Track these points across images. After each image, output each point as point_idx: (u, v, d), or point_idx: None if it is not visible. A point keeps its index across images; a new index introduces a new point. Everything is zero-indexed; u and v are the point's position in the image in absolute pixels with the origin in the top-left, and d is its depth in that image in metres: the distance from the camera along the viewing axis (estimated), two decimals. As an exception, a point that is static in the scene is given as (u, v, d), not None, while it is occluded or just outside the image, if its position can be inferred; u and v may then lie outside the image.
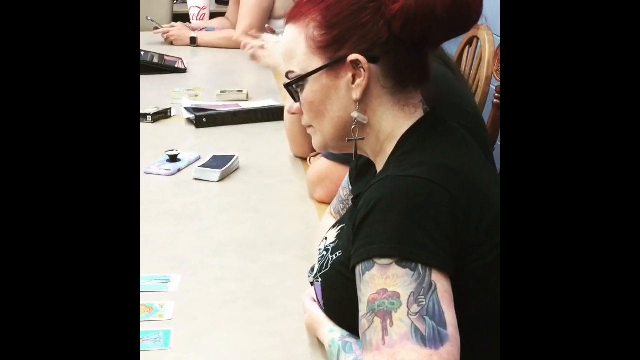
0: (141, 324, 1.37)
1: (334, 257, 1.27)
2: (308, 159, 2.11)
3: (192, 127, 2.56)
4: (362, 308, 1.08)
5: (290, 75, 1.23)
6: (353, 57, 1.17)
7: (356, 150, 1.24)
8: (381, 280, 1.06)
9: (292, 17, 1.23)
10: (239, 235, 1.74)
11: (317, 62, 1.19)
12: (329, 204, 1.87)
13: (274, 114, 2.64)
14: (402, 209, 1.08)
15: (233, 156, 2.14)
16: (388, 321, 1.04)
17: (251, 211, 1.88)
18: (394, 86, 1.20)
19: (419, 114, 1.22)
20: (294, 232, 1.77)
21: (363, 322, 1.07)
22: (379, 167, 1.25)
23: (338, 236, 1.33)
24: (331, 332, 1.24)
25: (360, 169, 1.43)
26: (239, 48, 3.71)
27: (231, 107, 2.73)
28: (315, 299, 1.34)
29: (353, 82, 1.18)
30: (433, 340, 1.02)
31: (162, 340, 1.33)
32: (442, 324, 1.03)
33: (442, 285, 1.05)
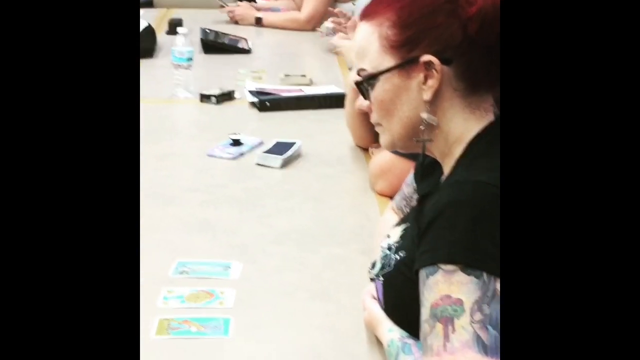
0: (202, 310, 1.40)
1: (398, 257, 1.27)
2: (370, 149, 2.11)
3: (255, 111, 2.58)
4: (424, 312, 1.08)
5: (362, 73, 1.23)
6: (426, 58, 1.16)
7: (424, 151, 1.24)
8: (445, 286, 1.06)
9: (365, 14, 1.22)
10: (299, 224, 1.75)
11: (389, 61, 1.19)
12: (390, 197, 1.87)
13: (336, 101, 2.63)
14: (469, 215, 1.08)
15: (294, 143, 2.14)
16: (450, 327, 1.04)
17: (312, 200, 1.88)
18: (466, 89, 1.19)
19: (489, 118, 1.20)
20: (354, 224, 1.77)
21: (425, 327, 1.07)
22: (446, 169, 1.25)
23: (402, 236, 1.32)
24: (390, 332, 1.24)
25: (426, 168, 1.42)
26: (304, 30, 3.77)
27: (294, 92, 2.74)
28: (376, 296, 1.35)
29: (424, 82, 1.18)
30: (495, 349, 1.02)
31: (222, 328, 1.34)
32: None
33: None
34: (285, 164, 2.08)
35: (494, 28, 1.13)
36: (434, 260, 1.08)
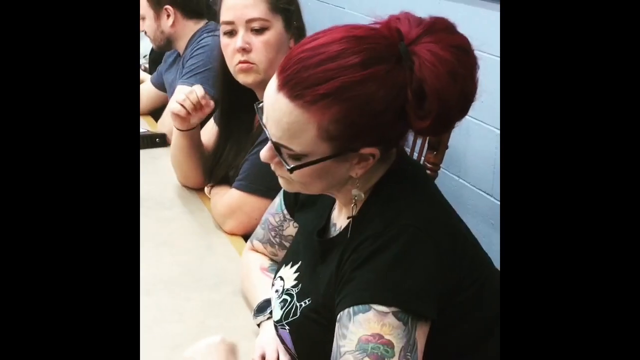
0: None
1: (303, 304, 1.27)
2: (206, 190, 2.08)
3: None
4: (348, 345, 1.09)
5: (286, 151, 1.14)
6: (368, 151, 1.14)
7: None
8: (377, 325, 1.08)
9: (296, 95, 1.09)
10: (161, 272, 1.68)
11: (324, 149, 1.12)
12: (241, 235, 1.87)
13: (144, 142, 2.55)
14: (397, 259, 1.11)
15: (126, 187, 2.05)
16: None
17: (164, 246, 1.82)
18: (385, 153, 1.20)
19: (392, 159, 1.23)
20: (216, 266, 1.73)
21: (347, 357, 1.08)
22: (342, 200, 1.26)
23: (299, 278, 1.32)
24: None
25: (306, 197, 1.42)
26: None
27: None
28: (272, 346, 1.35)
29: (357, 163, 1.16)
30: None
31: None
32: None
33: (420, 343, 1.10)
34: (121, 209, 1.98)
35: (442, 122, 1.13)
36: (367, 300, 1.09)
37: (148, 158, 2.43)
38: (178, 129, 2.01)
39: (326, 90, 1.07)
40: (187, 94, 1.93)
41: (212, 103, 1.94)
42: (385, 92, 1.08)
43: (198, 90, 1.93)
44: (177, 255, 1.77)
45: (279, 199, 1.52)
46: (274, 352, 1.34)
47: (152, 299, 1.56)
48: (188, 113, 1.94)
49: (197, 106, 1.94)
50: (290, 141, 1.12)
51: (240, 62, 1.85)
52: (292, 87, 1.09)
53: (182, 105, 1.93)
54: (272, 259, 1.57)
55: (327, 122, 1.09)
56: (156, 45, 2.71)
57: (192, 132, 2.02)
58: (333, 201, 1.31)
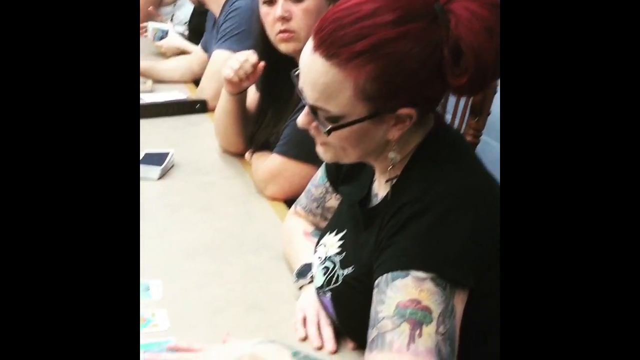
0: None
1: (345, 272, 1.27)
2: (247, 155, 2.08)
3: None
4: (386, 310, 1.08)
5: (323, 113, 1.13)
6: (405, 111, 1.13)
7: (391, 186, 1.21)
8: (415, 291, 1.07)
9: (332, 54, 1.09)
10: (202, 237, 1.69)
11: (361, 110, 1.11)
12: (282, 201, 1.87)
13: (183, 108, 2.57)
14: (435, 225, 1.10)
15: (168, 153, 2.06)
16: (417, 331, 1.05)
17: (204, 211, 1.82)
18: (422, 116, 1.18)
19: (430, 125, 1.22)
20: (256, 232, 1.73)
21: (385, 323, 1.07)
22: (383, 171, 1.25)
23: (342, 246, 1.32)
24: None
25: (349, 169, 1.42)
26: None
27: (135, 99, 2.63)
28: (314, 311, 1.35)
29: (394, 125, 1.15)
30: None
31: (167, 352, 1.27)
32: (454, 353, 1.07)
33: (459, 310, 1.09)
34: (162, 174, 1.99)
35: (479, 79, 1.11)
36: (405, 266, 1.09)
37: (188, 124, 2.45)
38: (229, 93, 2.02)
39: (361, 48, 1.07)
40: (241, 61, 1.93)
41: (263, 65, 1.93)
42: (420, 50, 1.08)
43: (250, 58, 1.93)
44: (218, 221, 1.77)
45: (321, 171, 1.52)
46: (315, 316, 1.34)
47: (194, 264, 1.57)
48: (241, 79, 1.95)
49: (250, 73, 1.93)
50: (327, 102, 1.12)
51: (280, 32, 1.85)
52: (328, 46, 1.09)
53: (235, 72, 1.93)
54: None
55: (363, 80, 1.09)
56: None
57: (240, 96, 2.03)
58: (374, 172, 1.30)
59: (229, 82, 1.98)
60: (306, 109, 1.17)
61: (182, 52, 3.18)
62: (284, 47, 1.87)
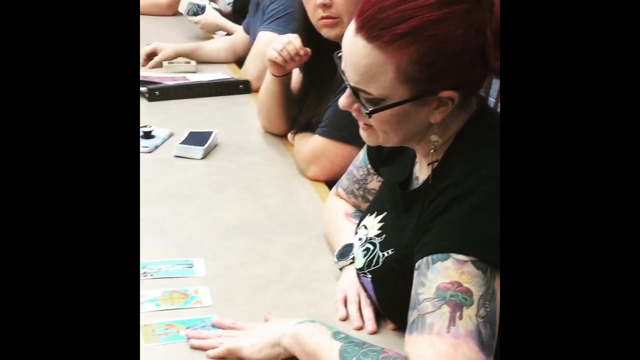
0: (181, 311, 1.34)
1: (386, 254, 1.28)
2: (290, 136, 2.09)
3: (144, 101, 2.48)
4: (426, 292, 1.09)
5: (364, 95, 1.14)
6: (447, 94, 1.13)
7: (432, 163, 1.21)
8: (455, 273, 1.08)
9: (375, 36, 1.10)
10: (245, 216, 1.71)
11: (403, 92, 1.12)
12: (323, 181, 1.88)
13: (227, 88, 2.59)
14: (477, 208, 1.10)
15: (211, 132, 2.09)
16: (458, 313, 1.06)
17: (247, 190, 1.85)
18: (464, 99, 1.18)
19: (472, 108, 1.22)
20: (298, 211, 1.76)
21: (426, 305, 1.08)
22: (425, 154, 1.25)
23: (382, 228, 1.33)
24: None
25: (390, 152, 1.43)
26: (165, 15, 3.66)
27: (179, 79, 2.66)
28: (353, 291, 1.36)
29: (436, 108, 1.15)
30: (488, 348, 1.05)
31: (210, 329, 1.30)
32: (494, 336, 1.07)
33: (499, 294, 1.08)
34: (206, 154, 2.02)
35: None
36: (446, 249, 1.09)
37: (231, 104, 2.47)
38: (273, 75, 2.03)
39: (404, 30, 1.08)
40: (284, 43, 1.95)
41: (309, 51, 1.94)
42: (463, 32, 1.08)
43: (295, 41, 1.94)
44: (261, 200, 1.80)
45: (363, 153, 1.53)
46: (355, 296, 1.35)
47: (236, 242, 1.59)
48: (284, 61, 1.96)
49: (294, 55, 1.95)
50: (368, 84, 1.13)
51: (322, 18, 1.86)
52: (370, 28, 1.10)
53: (279, 53, 1.95)
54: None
55: (405, 62, 1.09)
56: None
57: (285, 79, 2.05)
58: (416, 155, 1.31)
59: (273, 63, 1.99)
60: (348, 91, 1.18)
61: (220, 30, 3.20)
62: (326, 33, 1.88)
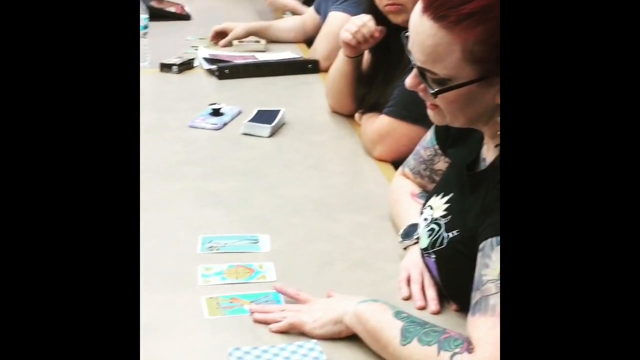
0: (246, 285, 1.36)
1: (451, 235, 1.27)
2: (357, 116, 2.09)
3: (214, 79, 2.51)
4: (490, 273, 1.09)
5: (430, 75, 1.14)
6: None
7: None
8: None
9: (441, 16, 1.10)
10: (310, 194, 1.72)
11: (469, 73, 1.12)
12: (388, 161, 1.88)
13: (295, 68, 2.60)
14: None
15: (279, 111, 2.10)
16: None
17: (314, 169, 1.86)
18: None
19: None
20: (364, 191, 1.76)
21: (489, 286, 1.08)
22: (490, 134, 1.24)
23: (448, 209, 1.32)
24: None
25: (458, 132, 1.41)
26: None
27: (249, 58, 2.68)
28: (416, 272, 1.36)
29: None
30: None
31: (274, 304, 1.31)
32: None
33: None
34: (273, 132, 2.04)
35: None
36: None
37: (300, 84, 2.48)
38: (346, 56, 2.04)
39: (470, 10, 1.08)
40: (359, 25, 1.95)
41: (384, 29, 1.94)
42: None
43: (368, 22, 1.94)
44: (327, 179, 1.81)
45: (431, 133, 1.52)
46: (419, 275, 1.35)
47: (303, 219, 1.61)
48: (359, 43, 1.96)
49: (369, 37, 1.95)
50: (434, 64, 1.13)
51: (388, 4, 1.88)
52: (437, 8, 1.10)
53: (353, 35, 1.95)
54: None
55: (471, 42, 1.09)
56: None
57: (357, 59, 2.05)
58: (483, 136, 1.29)
59: (347, 45, 2.00)
60: (414, 71, 1.18)
61: (289, 10, 3.22)
62: (393, 18, 1.90)
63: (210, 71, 2.55)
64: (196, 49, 2.76)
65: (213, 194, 1.70)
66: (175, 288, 1.35)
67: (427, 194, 1.46)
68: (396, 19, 1.88)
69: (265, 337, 1.22)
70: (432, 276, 1.33)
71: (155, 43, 2.69)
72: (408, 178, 1.61)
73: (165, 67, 2.54)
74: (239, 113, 2.16)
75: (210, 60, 2.61)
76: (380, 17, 1.93)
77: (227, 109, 2.14)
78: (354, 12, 2.20)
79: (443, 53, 1.11)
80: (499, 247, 1.09)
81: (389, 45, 1.95)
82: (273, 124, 2.03)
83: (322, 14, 2.78)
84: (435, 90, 1.14)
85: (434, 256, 1.30)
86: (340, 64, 2.08)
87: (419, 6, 1.13)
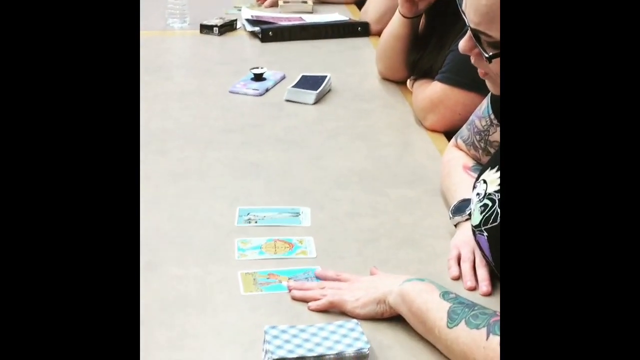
0: (284, 261, 1.28)
1: None
2: (409, 83, 1.98)
3: (257, 42, 2.43)
4: None
5: (485, 39, 1.08)
6: None
7: None
8: None
9: None
10: (356, 166, 1.63)
11: None
12: (441, 132, 1.78)
13: (344, 31, 2.50)
14: None
15: (325, 76, 2.01)
16: None
17: (361, 139, 1.76)
18: None
19: None
20: (414, 163, 1.66)
21: None
22: None
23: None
24: None
25: None
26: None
27: (294, 20, 2.59)
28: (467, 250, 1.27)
29: None
30: None
31: (313, 281, 1.23)
32: None
33: None
34: (318, 99, 1.94)
35: None
36: None
37: (348, 48, 2.38)
38: (404, 16, 1.93)
39: None
40: None
41: None
42: None
43: None
44: (374, 150, 1.71)
45: (486, 102, 1.44)
46: (470, 253, 1.26)
47: (346, 192, 1.52)
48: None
49: None
50: (490, 26, 1.06)
51: None
52: None
53: None
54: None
55: None
56: None
57: (415, 21, 1.95)
58: None
59: (404, 2, 1.89)
60: (468, 34, 1.12)
61: None
62: None
63: (253, 33, 2.46)
64: (239, 10, 2.68)
65: (252, 164, 1.62)
66: (210, 262, 1.27)
67: (481, 167, 1.37)
68: None
69: (304, 316, 1.14)
70: (484, 255, 1.24)
71: (196, 2, 2.61)
72: (461, 150, 1.52)
73: (206, 29, 2.45)
74: (283, 78, 2.07)
75: (253, 22, 2.53)
76: None
77: (269, 74, 2.06)
78: None
79: (499, 14, 1.02)
80: None
81: (445, 7, 1.84)
82: (318, 90, 1.94)
83: None
84: (490, 54, 1.07)
85: (486, 234, 1.21)
86: (395, 26, 1.97)
87: None
